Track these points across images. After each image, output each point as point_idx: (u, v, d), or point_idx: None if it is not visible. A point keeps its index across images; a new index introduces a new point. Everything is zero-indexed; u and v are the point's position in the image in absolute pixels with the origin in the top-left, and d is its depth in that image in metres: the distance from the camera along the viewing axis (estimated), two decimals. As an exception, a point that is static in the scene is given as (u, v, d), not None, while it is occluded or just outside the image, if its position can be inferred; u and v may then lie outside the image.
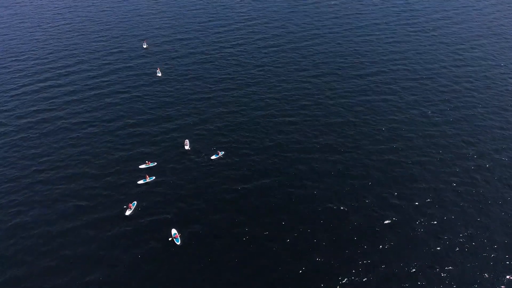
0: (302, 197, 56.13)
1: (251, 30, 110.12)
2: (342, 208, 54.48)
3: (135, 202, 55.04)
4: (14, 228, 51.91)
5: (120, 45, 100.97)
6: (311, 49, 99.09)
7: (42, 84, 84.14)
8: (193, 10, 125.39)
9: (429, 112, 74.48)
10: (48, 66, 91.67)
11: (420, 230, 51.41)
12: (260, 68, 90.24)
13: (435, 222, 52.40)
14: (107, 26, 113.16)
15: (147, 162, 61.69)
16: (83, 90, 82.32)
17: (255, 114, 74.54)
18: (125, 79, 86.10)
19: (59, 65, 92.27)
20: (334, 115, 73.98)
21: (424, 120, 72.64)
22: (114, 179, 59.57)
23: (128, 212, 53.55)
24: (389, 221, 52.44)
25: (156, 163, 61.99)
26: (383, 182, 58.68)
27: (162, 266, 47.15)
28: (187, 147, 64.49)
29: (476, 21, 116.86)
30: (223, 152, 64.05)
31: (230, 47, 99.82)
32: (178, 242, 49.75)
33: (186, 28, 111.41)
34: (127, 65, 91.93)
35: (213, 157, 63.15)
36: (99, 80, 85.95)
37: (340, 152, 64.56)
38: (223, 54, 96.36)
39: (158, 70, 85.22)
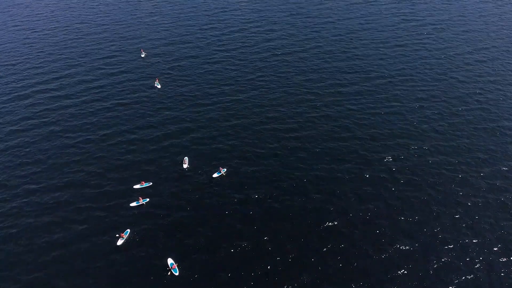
0: (317, 226, 50.54)
1: (251, 35, 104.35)
2: (353, 230, 48.89)
3: (128, 230, 49.75)
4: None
5: (118, 53, 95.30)
6: (314, 55, 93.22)
7: (35, 90, 79.33)
8: (192, 14, 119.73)
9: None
10: (42, 72, 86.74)
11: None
12: (261, 76, 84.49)
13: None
14: (104, 32, 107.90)
15: (142, 182, 56.34)
16: (78, 99, 77.42)
17: (257, 125, 68.97)
18: (122, 89, 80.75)
19: (54, 71, 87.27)
20: (340, 127, 68.18)
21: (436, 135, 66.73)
22: (106, 200, 54.36)
23: (120, 242, 48.32)
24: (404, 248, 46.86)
25: (151, 183, 56.64)
26: (393, 203, 52.97)
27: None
28: (185, 166, 58.96)
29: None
30: (225, 169, 58.57)
31: (230, 54, 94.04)
32: (176, 272, 44.71)
33: (185, 33, 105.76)
34: (125, 74, 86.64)
35: (215, 175, 57.73)
36: (95, 89, 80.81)
37: (348, 165, 58.89)
38: (223, 60, 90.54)
39: (156, 81, 79.55)
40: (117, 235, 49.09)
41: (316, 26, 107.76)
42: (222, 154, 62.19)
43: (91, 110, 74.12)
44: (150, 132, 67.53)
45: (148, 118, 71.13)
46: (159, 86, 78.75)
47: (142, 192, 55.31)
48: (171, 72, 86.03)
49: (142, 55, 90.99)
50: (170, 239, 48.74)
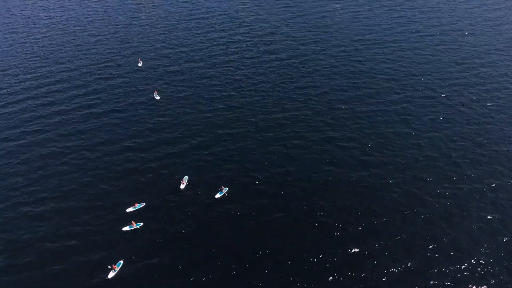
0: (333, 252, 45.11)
1: (251, 41, 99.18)
2: (363, 250, 43.42)
3: (121, 261, 44.47)
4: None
5: (115, 60, 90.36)
6: (317, 63, 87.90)
7: (31, 101, 74.39)
8: (191, 19, 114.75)
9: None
10: (38, 81, 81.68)
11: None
12: (262, 82, 79.31)
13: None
14: (100, 41, 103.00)
15: (135, 203, 51.09)
16: (73, 109, 72.65)
17: (260, 137, 63.68)
18: (118, 98, 75.74)
19: (49, 80, 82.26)
20: (347, 139, 62.80)
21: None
22: (96, 223, 49.12)
23: (111, 274, 43.09)
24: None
25: (144, 204, 51.34)
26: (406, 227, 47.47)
27: None
28: (183, 186, 53.49)
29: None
30: (227, 188, 53.27)
31: (230, 59, 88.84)
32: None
33: (184, 39, 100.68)
34: (123, 85, 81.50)
35: (218, 195, 52.39)
36: (90, 95, 75.87)
37: (356, 181, 53.45)
38: (223, 67, 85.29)
39: (155, 94, 74.26)
40: (108, 267, 43.87)
41: (319, 31, 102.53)
42: (223, 170, 56.86)
43: (86, 119, 69.35)
44: (147, 145, 62.29)
45: (145, 131, 65.89)
46: (158, 98, 73.31)
47: (135, 215, 50.06)
48: (169, 81, 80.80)
49: (139, 64, 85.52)
50: (168, 272, 43.43)
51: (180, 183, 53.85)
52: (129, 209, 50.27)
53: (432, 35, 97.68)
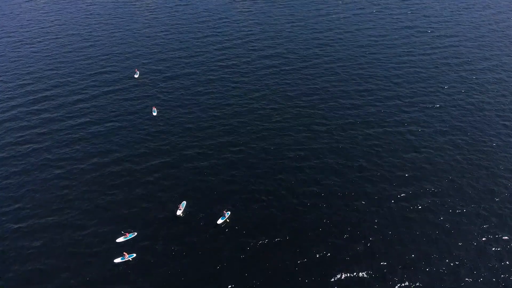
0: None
1: (252, 48, 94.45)
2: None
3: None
4: None
5: (111, 70, 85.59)
6: (321, 72, 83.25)
7: (20, 109, 69.74)
8: (190, 24, 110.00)
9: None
10: (29, 88, 77.09)
11: None
12: (264, 92, 74.71)
13: None
14: (96, 47, 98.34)
15: (125, 233, 46.21)
16: (66, 119, 68.28)
17: (263, 153, 59.01)
18: (114, 111, 71.15)
19: (42, 87, 77.74)
20: (354, 156, 57.99)
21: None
22: (86, 256, 44.43)
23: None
24: None
25: (135, 233, 46.52)
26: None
27: None
28: (179, 212, 48.54)
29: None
30: (229, 213, 48.52)
31: (230, 69, 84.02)
32: None
33: (182, 45, 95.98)
34: (118, 94, 76.91)
35: (220, 221, 47.62)
36: (84, 109, 71.21)
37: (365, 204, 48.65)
38: (223, 77, 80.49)
39: (153, 109, 69.04)
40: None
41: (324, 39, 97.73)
42: (225, 189, 52.11)
43: (81, 133, 64.88)
44: (143, 162, 57.67)
45: (141, 147, 61.20)
46: (155, 114, 68.08)
47: (127, 245, 45.32)
48: (167, 90, 76.02)
49: (136, 76, 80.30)
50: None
51: (177, 209, 48.90)
52: (120, 239, 45.43)
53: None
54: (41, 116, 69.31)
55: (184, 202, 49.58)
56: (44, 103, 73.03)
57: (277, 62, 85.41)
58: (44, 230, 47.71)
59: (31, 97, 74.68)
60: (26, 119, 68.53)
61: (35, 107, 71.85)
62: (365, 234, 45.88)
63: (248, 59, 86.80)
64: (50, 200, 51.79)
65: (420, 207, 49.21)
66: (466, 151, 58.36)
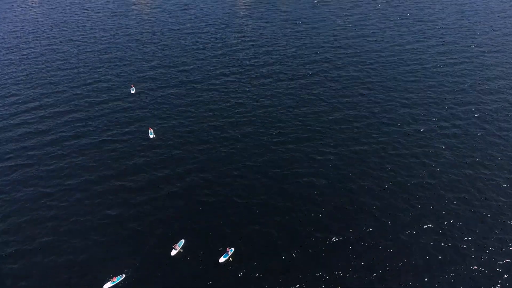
0: None
1: (254, 56, 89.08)
2: None
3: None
4: None
5: (107, 84, 79.92)
6: (325, 84, 77.89)
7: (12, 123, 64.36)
8: (189, 33, 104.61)
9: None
10: (20, 104, 71.50)
11: None
12: (269, 108, 69.40)
13: None
14: (91, 58, 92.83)
15: (113, 277, 40.33)
16: (58, 138, 62.99)
17: (268, 174, 53.68)
18: (109, 129, 65.69)
19: (34, 103, 72.27)
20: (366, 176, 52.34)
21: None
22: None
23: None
24: None
25: (124, 275, 40.69)
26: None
27: None
28: (175, 252, 42.83)
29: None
30: (232, 249, 42.70)
31: (229, 79, 78.84)
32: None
33: (181, 56, 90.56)
34: (115, 110, 71.42)
35: (222, 259, 41.92)
36: (77, 127, 65.67)
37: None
38: (222, 88, 75.19)
39: (150, 131, 62.79)
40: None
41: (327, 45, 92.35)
42: (227, 221, 46.35)
43: (71, 150, 59.94)
44: (137, 188, 52.27)
45: (136, 171, 55.58)
46: (151, 136, 61.80)
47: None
48: (164, 106, 70.61)
49: (132, 91, 74.18)
50: None
51: (172, 248, 42.83)
52: (107, 285, 39.43)
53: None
54: (32, 134, 63.88)
55: (182, 241, 43.67)
56: (32, 114, 67.59)
57: (280, 72, 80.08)
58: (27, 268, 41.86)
59: (21, 114, 69.21)
60: (13, 137, 62.93)
61: (25, 124, 66.34)
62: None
63: (250, 68, 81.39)
64: (34, 226, 46.05)
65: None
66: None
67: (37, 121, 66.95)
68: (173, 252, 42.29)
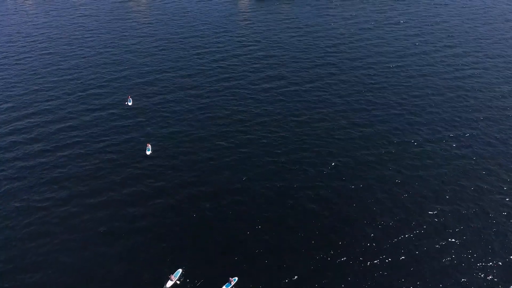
0: None
1: (255, 62, 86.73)
2: None
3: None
4: None
5: (104, 91, 77.53)
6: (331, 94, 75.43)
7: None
8: (189, 38, 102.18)
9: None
10: (12, 112, 68.99)
11: None
12: (272, 117, 67.01)
13: None
14: (87, 64, 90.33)
15: None
16: (51, 149, 60.64)
17: (275, 194, 51.31)
18: (105, 139, 63.16)
19: (26, 111, 69.82)
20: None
21: None
22: None
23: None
24: None
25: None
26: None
27: None
28: (170, 284, 39.98)
29: None
30: (236, 279, 40.28)
31: (231, 89, 76.39)
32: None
33: (180, 63, 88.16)
34: (111, 118, 68.93)
35: (224, 290, 39.59)
36: (71, 137, 63.17)
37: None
38: (224, 98, 72.75)
39: (148, 147, 59.48)
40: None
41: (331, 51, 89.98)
42: (230, 249, 43.90)
43: (65, 163, 57.64)
44: (130, 211, 49.52)
45: (131, 190, 53.08)
46: (149, 152, 58.62)
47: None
48: (162, 115, 68.22)
49: (129, 103, 70.81)
50: None
51: (168, 279, 40.30)
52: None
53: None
54: (23, 145, 61.36)
55: (179, 271, 41.10)
56: (28, 128, 65.11)
57: (282, 77, 77.79)
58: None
59: (13, 123, 66.65)
60: (5, 147, 60.50)
61: (17, 134, 63.73)
62: None
63: (252, 77, 79.07)
64: (23, 257, 43.57)
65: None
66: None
67: (29, 130, 64.56)
68: (169, 284, 39.69)
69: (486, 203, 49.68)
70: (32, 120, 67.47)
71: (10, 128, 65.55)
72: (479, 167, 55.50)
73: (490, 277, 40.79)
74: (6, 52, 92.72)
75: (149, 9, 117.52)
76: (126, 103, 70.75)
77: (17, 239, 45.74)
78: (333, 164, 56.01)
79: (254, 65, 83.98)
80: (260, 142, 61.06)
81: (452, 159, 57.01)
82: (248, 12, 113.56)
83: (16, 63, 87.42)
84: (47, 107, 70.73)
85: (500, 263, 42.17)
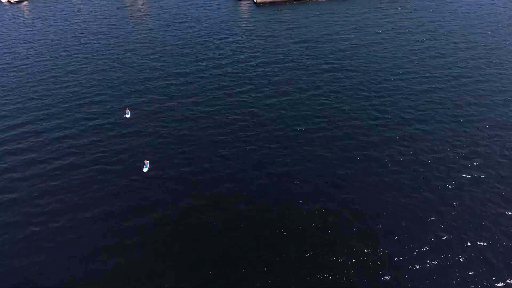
0: None
1: (257, 71, 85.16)
2: None
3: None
4: None
5: (101, 101, 75.77)
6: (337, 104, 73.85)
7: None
8: (189, 45, 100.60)
9: None
10: (6, 121, 67.60)
11: None
12: (272, 131, 65.36)
13: None
14: (83, 72, 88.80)
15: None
16: (47, 159, 59.13)
17: (273, 212, 49.25)
18: (100, 153, 61.44)
19: (21, 120, 68.10)
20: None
21: None
22: None
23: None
24: None
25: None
26: None
27: None
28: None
29: None
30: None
31: (232, 99, 74.84)
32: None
33: (180, 70, 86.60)
34: (108, 129, 67.28)
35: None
36: (64, 148, 61.44)
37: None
38: (225, 111, 71.04)
39: (145, 163, 56.89)
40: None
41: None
42: (228, 264, 42.17)
43: (60, 175, 56.15)
44: (128, 226, 47.80)
45: (128, 204, 51.33)
46: (145, 170, 56.14)
47: None
48: (162, 128, 66.55)
49: (127, 116, 68.79)
50: None
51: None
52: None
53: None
54: (17, 155, 59.61)
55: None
56: (22, 139, 63.37)
57: (284, 87, 76.37)
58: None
59: (7, 132, 64.93)
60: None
61: (11, 143, 61.95)
62: None
63: (253, 83, 77.58)
64: (14, 273, 41.73)
65: None
66: None
67: (22, 142, 62.84)
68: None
69: None
70: (25, 130, 65.84)
71: (3, 138, 63.82)
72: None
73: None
74: (1, 59, 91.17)
75: (148, 16, 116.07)
76: (125, 115, 68.86)
77: (7, 256, 43.92)
78: (335, 174, 54.44)
79: (255, 73, 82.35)
80: (260, 153, 59.36)
81: (457, 171, 55.43)
82: (249, 18, 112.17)
83: (13, 70, 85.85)
84: (41, 117, 69.06)
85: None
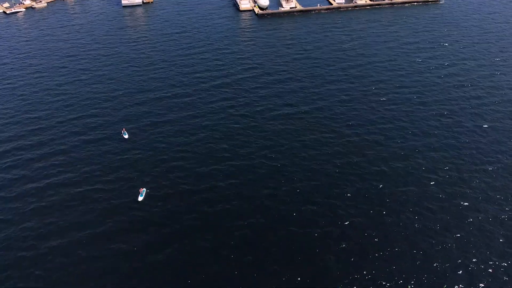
0: None
1: (258, 85, 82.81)
2: None
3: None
4: None
5: (97, 119, 72.64)
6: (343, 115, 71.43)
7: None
8: (189, 55, 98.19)
9: None
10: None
11: None
12: (273, 145, 62.65)
13: None
14: (81, 85, 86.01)
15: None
16: (39, 178, 56.14)
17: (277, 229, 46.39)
18: (95, 175, 58.47)
19: (15, 133, 65.26)
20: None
21: None
22: None
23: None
24: None
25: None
26: None
27: None
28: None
29: None
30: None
31: (235, 109, 72.35)
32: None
33: (179, 82, 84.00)
34: (103, 149, 64.36)
35: None
36: (55, 168, 58.39)
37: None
38: (225, 123, 68.32)
39: (141, 192, 53.08)
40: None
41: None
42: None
43: (53, 193, 53.41)
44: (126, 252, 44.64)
45: (123, 229, 48.27)
46: (141, 198, 52.38)
47: None
48: (160, 145, 63.72)
49: (126, 136, 65.47)
50: None
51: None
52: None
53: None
54: (9, 173, 56.64)
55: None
56: (14, 156, 60.39)
57: (287, 103, 73.74)
58: None
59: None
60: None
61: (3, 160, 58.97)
62: None
63: (254, 99, 75.05)
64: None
65: None
66: None
67: (16, 163, 59.70)
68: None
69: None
70: (17, 147, 62.78)
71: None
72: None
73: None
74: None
75: (147, 26, 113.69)
76: (122, 135, 65.70)
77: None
78: (339, 194, 51.78)
79: (257, 87, 79.71)
80: (262, 173, 56.47)
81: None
82: (249, 30, 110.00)
83: (6, 83, 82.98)
84: (36, 137, 65.68)
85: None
